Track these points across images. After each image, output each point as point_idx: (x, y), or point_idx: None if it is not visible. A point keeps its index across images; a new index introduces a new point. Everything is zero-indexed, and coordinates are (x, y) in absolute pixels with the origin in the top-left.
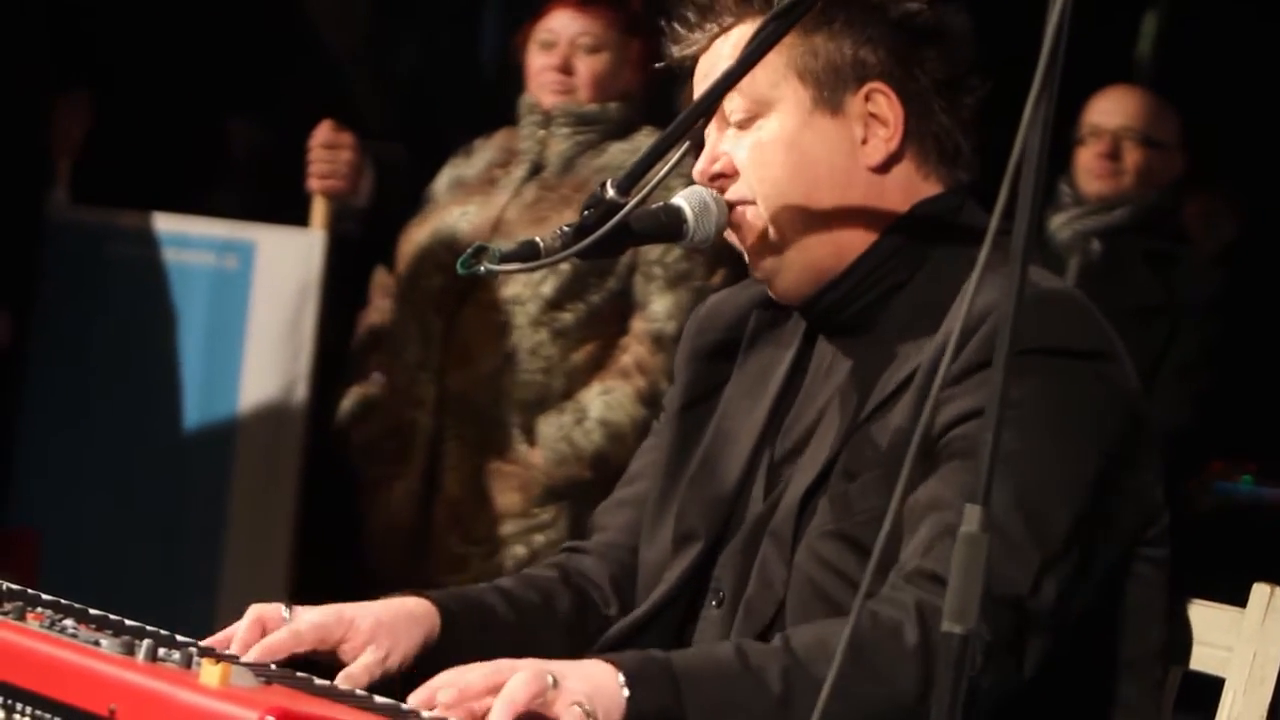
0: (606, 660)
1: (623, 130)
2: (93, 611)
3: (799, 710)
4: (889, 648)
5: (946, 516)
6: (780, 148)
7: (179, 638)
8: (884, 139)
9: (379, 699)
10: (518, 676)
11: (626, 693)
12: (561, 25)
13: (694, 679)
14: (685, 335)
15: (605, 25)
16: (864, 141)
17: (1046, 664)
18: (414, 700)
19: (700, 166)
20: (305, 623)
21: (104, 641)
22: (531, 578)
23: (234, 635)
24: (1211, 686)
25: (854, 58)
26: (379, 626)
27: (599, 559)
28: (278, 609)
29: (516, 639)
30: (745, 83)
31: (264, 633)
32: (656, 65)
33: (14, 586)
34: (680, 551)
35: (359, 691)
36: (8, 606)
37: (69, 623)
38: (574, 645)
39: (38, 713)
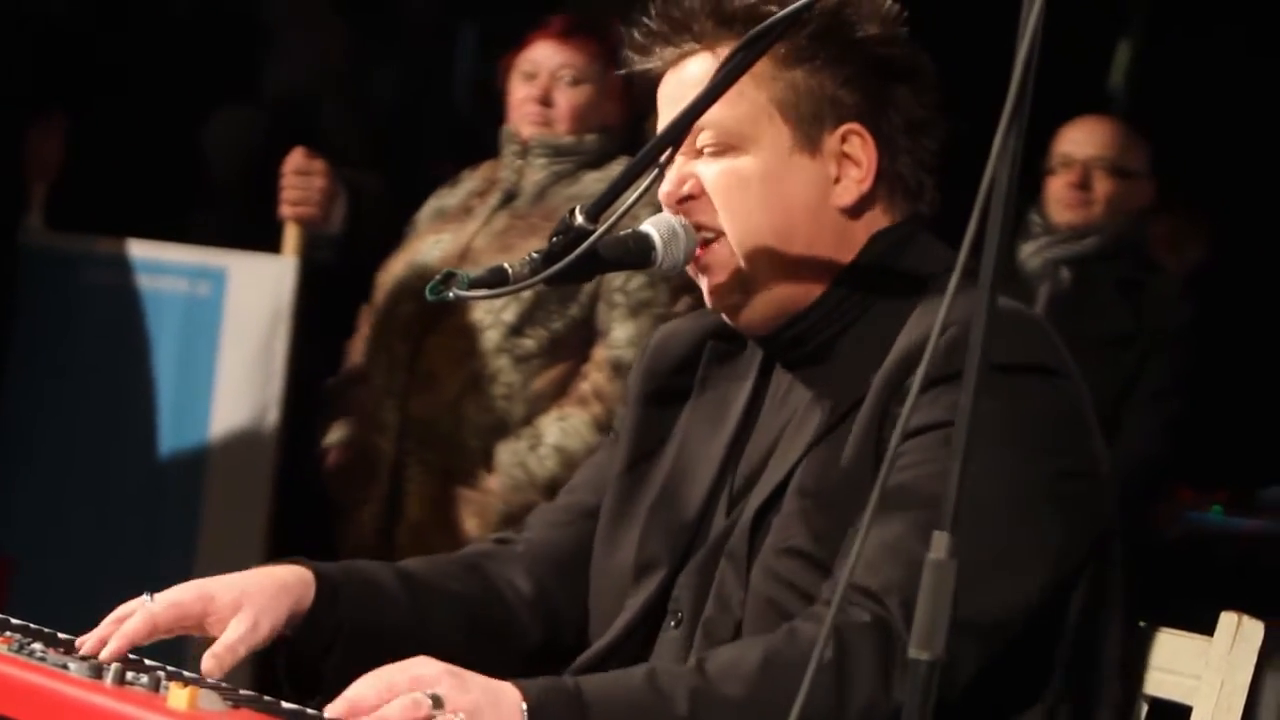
0: (516, 684)
1: (598, 161)
2: (61, 635)
3: None
4: (803, 666)
5: (886, 534)
6: (757, 186)
7: (147, 661)
8: (856, 180)
9: None
10: (395, 702)
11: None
12: (543, 57)
13: (602, 706)
14: (636, 370)
15: (587, 58)
16: (836, 180)
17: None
18: (331, 710)
19: (667, 188)
20: (161, 603)
21: (72, 665)
22: (447, 561)
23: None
24: (1179, 715)
25: (833, 96)
26: (243, 597)
27: (523, 565)
28: (141, 599)
29: (407, 618)
30: (721, 115)
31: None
32: (617, 73)
33: None
34: (642, 579)
35: (326, 715)
36: None
37: (38, 646)
38: (473, 632)
39: None
